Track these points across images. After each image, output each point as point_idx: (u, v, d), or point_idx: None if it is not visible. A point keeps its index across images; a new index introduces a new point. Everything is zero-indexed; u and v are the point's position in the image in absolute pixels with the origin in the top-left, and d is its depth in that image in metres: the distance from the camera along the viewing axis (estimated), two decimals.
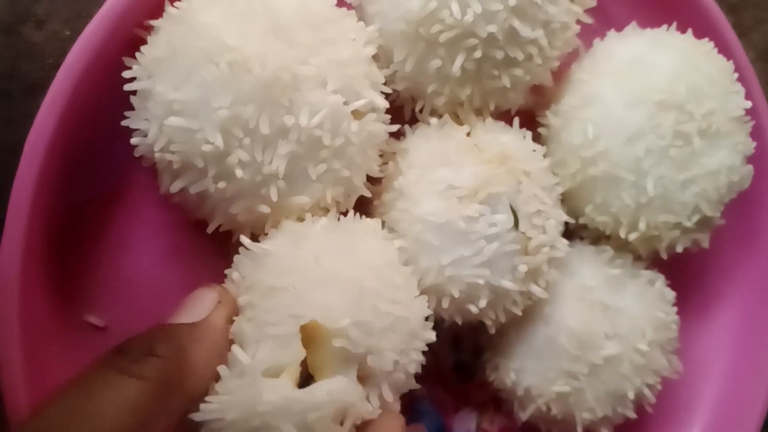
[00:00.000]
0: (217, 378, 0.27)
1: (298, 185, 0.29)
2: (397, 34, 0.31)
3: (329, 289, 0.27)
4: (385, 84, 0.32)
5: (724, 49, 0.35)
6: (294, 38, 0.28)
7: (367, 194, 0.32)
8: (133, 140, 0.29)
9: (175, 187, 0.29)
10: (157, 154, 0.29)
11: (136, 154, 0.30)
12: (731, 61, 0.35)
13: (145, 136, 0.29)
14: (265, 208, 0.29)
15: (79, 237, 0.33)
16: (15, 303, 0.30)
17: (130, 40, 0.30)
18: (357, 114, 0.30)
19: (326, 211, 0.31)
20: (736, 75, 0.34)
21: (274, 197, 0.29)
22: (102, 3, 0.30)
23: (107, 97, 0.31)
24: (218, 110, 0.27)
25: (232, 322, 0.28)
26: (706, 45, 0.35)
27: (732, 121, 0.33)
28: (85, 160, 0.33)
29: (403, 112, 0.35)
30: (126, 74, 0.29)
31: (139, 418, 0.23)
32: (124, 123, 0.29)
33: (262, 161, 0.28)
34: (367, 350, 0.26)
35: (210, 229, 0.31)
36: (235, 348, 0.27)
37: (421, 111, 0.34)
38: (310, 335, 0.26)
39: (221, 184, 0.28)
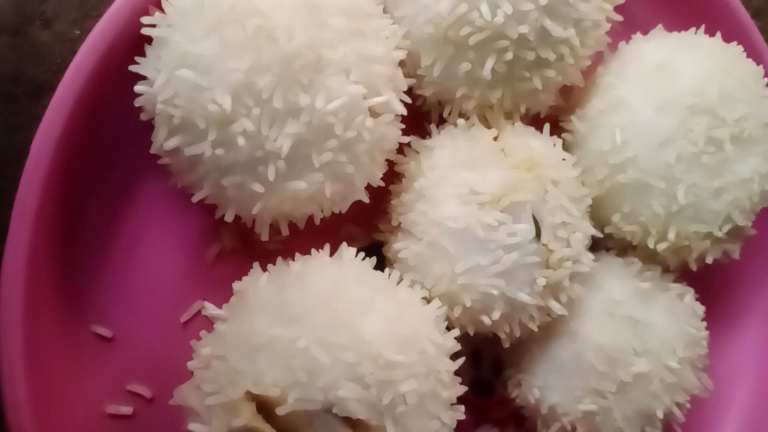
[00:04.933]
0: None
1: (298, 170, 0.28)
2: (424, 38, 0.30)
3: (259, 358, 0.27)
4: (411, 89, 0.31)
5: (752, 53, 0.35)
6: (327, 20, 0.27)
7: (365, 200, 0.31)
8: (137, 87, 0.28)
9: (169, 145, 0.28)
10: (159, 106, 0.27)
11: (137, 104, 0.29)
12: (761, 65, 0.34)
13: (152, 86, 0.28)
14: (258, 187, 0.28)
15: (86, 245, 0.32)
16: (19, 313, 0.29)
17: (139, 39, 0.29)
18: (373, 113, 0.29)
19: (320, 207, 0.30)
20: (767, 79, 0.34)
21: (271, 176, 0.27)
22: (111, 2, 0.29)
23: (117, 99, 0.30)
24: (233, 72, 0.26)
25: None
26: (736, 48, 0.34)
27: (764, 127, 0.33)
28: (92, 164, 0.32)
29: (430, 118, 0.34)
30: (145, 20, 0.28)
31: None
32: (132, 68, 0.28)
33: (267, 136, 0.27)
34: (325, 403, 0.26)
35: (195, 199, 0.29)
36: (191, 426, 0.27)
37: (449, 115, 0.33)
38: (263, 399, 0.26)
39: (219, 151, 0.27)
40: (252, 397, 0.26)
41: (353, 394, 0.26)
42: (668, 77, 0.32)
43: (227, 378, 0.27)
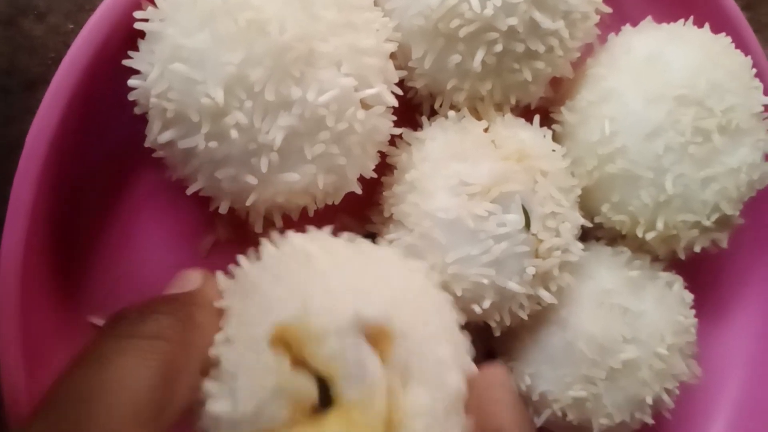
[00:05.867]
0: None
1: (291, 162, 0.28)
2: (415, 30, 0.31)
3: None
4: (402, 81, 0.31)
5: (740, 44, 0.35)
6: (319, 12, 0.28)
7: (358, 191, 0.31)
8: (131, 81, 0.28)
9: (163, 138, 0.28)
10: (152, 99, 0.28)
11: (130, 98, 0.29)
12: (749, 56, 0.34)
13: (145, 80, 0.28)
14: (252, 179, 0.28)
15: (82, 235, 0.32)
16: (15, 304, 0.29)
17: (134, 32, 0.29)
18: (364, 105, 0.29)
19: (313, 199, 0.30)
20: (755, 70, 0.34)
21: (264, 168, 0.28)
22: None
23: (111, 93, 0.30)
24: (226, 66, 0.26)
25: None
26: (724, 40, 0.34)
27: (752, 118, 0.33)
28: (87, 157, 0.32)
29: (421, 110, 0.34)
30: (138, 14, 0.28)
31: (163, 379, 0.22)
32: (125, 63, 0.29)
33: (260, 129, 0.27)
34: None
35: (189, 192, 0.29)
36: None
37: (440, 107, 0.33)
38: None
39: (212, 144, 0.27)
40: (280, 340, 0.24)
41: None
42: (657, 68, 0.32)
43: (252, 314, 0.24)
